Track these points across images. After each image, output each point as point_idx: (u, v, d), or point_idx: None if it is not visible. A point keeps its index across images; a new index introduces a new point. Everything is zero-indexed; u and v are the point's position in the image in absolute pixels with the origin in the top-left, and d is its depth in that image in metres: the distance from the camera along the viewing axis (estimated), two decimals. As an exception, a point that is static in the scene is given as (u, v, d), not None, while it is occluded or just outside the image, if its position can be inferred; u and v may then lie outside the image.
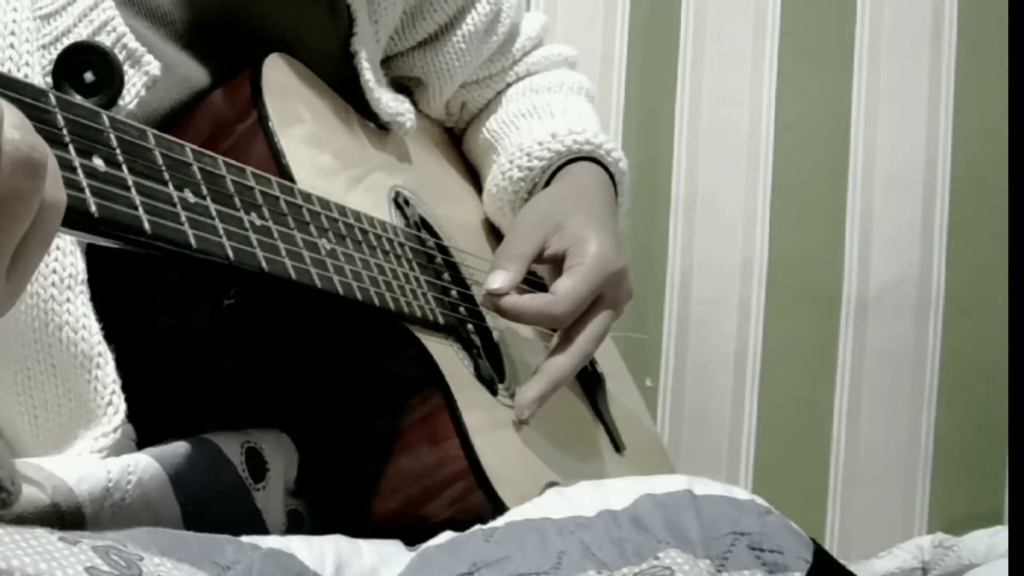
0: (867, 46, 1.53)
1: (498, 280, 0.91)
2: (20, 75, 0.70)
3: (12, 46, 0.71)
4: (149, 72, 0.76)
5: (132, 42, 0.76)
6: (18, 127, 0.51)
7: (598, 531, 0.68)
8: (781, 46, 1.53)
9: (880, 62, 1.53)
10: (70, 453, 0.69)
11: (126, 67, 0.75)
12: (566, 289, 0.93)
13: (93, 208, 0.58)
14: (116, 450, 0.71)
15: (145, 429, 0.76)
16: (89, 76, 0.72)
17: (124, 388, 0.71)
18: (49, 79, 0.72)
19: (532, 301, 0.92)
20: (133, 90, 0.76)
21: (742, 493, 0.70)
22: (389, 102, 0.96)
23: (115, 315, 0.72)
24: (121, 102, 0.74)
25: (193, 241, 0.65)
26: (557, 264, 0.96)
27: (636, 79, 1.52)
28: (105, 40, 0.75)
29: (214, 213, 0.68)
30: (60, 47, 0.73)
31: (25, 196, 0.51)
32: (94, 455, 0.69)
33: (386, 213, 0.91)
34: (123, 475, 0.67)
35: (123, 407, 0.70)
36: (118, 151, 0.62)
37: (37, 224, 0.52)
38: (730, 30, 1.53)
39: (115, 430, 0.70)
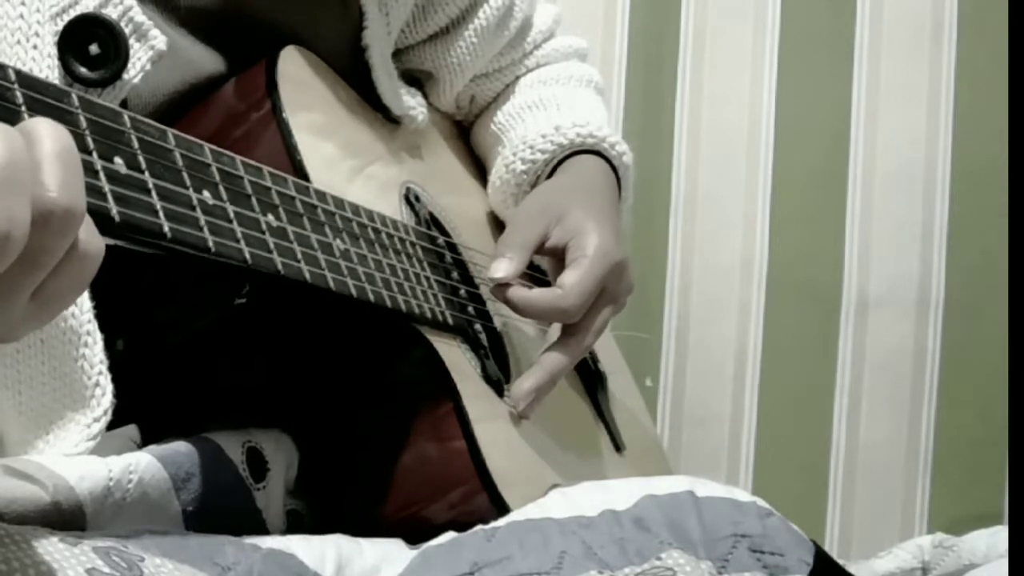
0: (867, 46, 1.53)
1: (501, 269, 0.90)
2: (30, 45, 0.70)
3: (22, 16, 0.70)
4: (155, 47, 0.75)
5: (139, 15, 0.75)
6: (60, 185, 0.49)
7: (600, 531, 0.68)
8: (781, 46, 1.53)
9: (880, 62, 1.53)
10: (60, 435, 0.68)
11: (132, 41, 0.74)
12: (572, 282, 0.92)
13: (114, 213, 0.58)
14: (117, 449, 0.70)
15: (147, 428, 0.76)
16: (94, 49, 0.72)
17: (128, 386, 0.71)
18: (55, 50, 0.71)
19: (542, 295, 0.91)
20: (139, 64, 0.75)
21: (743, 495, 0.70)
22: (401, 97, 0.96)
23: (122, 311, 0.72)
24: (126, 76, 0.73)
25: (212, 245, 0.65)
26: (557, 256, 0.96)
27: (636, 79, 1.52)
28: (111, 13, 0.74)
29: (232, 215, 0.68)
30: (67, 18, 0.72)
31: (52, 250, 0.50)
32: (90, 443, 0.68)
33: (396, 209, 0.91)
34: (124, 474, 0.67)
35: (110, 388, 0.69)
36: (139, 152, 0.62)
37: (69, 270, 0.51)
38: (730, 30, 1.53)
39: (105, 413, 0.69)
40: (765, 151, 1.53)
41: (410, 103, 0.96)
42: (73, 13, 0.72)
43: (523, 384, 0.89)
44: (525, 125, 1.07)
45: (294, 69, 0.84)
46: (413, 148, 0.99)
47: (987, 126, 1.50)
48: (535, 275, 1.06)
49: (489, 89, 1.11)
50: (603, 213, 0.99)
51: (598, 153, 1.06)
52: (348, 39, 0.92)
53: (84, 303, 0.69)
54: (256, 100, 0.81)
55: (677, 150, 1.53)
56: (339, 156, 0.86)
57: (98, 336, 0.69)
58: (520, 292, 0.91)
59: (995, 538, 1.07)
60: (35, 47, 0.70)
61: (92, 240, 0.52)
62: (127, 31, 0.74)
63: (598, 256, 0.93)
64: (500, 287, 0.90)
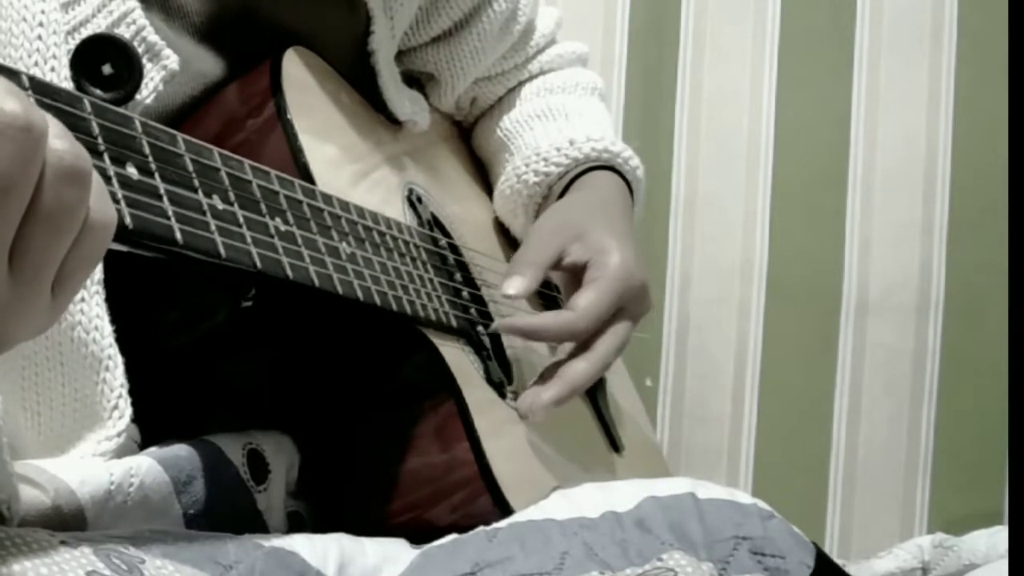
0: (867, 46, 1.53)
1: (513, 286, 0.89)
2: (47, 67, 0.70)
3: (40, 38, 0.70)
4: (167, 66, 0.76)
5: (151, 35, 0.75)
6: (61, 136, 0.49)
7: (601, 532, 0.68)
8: (781, 46, 1.53)
9: (880, 62, 1.53)
10: (73, 455, 0.69)
11: (144, 61, 0.74)
12: (586, 303, 0.91)
13: (128, 220, 0.58)
14: (119, 452, 0.71)
15: (148, 429, 0.76)
16: (107, 69, 0.72)
17: (131, 389, 0.71)
18: (69, 72, 0.71)
19: (554, 319, 0.91)
20: (151, 84, 0.75)
21: (745, 497, 0.70)
22: (405, 101, 0.96)
23: (127, 314, 0.72)
24: (138, 96, 0.74)
25: (222, 250, 0.65)
26: (576, 274, 0.95)
27: (636, 79, 1.51)
28: (124, 33, 0.74)
29: (241, 220, 0.68)
30: (78, 37, 0.72)
31: (70, 208, 0.50)
32: (97, 458, 0.69)
33: (399, 210, 0.91)
34: (125, 478, 0.67)
35: (129, 411, 0.69)
36: (150, 158, 0.62)
37: (84, 241, 0.51)
38: (730, 30, 1.53)
39: (119, 434, 0.69)
40: (765, 151, 1.53)
41: (413, 107, 0.96)
42: (86, 32, 0.73)
43: (543, 395, 0.88)
44: (534, 134, 1.07)
45: (297, 71, 0.85)
46: (415, 150, 0.99)
47: (987, 126, 1.50)
48: (544, 291, 1.06)
49: (491, 92, 1.11)
50: (624, 232, 0.98)
51: (612, 168, 1.05)
52: (354, 42, 0.92)
53: (105, 327, 0.69)
54: (261, 102, 0.81)
55: (677, 150, 1.53)
56: (342, 158, 0.86)
57: (119, 360, 0.70)
58: (530, 320, 0.91)
59: (995, 538, 1.07)
60: (52, 69, 0.70)
61: (104, 210, 0.52)
62: (140, 51, 0.74)
63: (617, 275, 0.93)
64: (505, 299, 0.90)
